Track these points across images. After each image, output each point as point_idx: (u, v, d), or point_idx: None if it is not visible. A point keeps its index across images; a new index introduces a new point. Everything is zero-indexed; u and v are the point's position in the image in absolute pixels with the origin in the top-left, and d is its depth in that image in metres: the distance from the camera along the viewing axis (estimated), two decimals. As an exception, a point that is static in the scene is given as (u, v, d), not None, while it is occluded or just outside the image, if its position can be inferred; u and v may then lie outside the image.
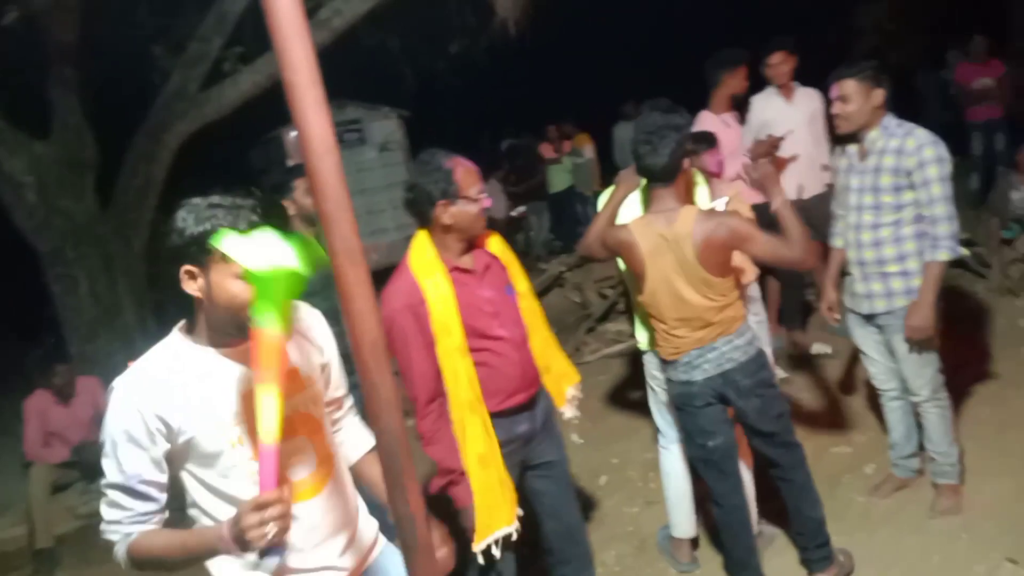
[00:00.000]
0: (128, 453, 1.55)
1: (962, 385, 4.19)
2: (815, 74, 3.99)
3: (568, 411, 2.73)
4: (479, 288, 2.43)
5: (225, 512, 1.57)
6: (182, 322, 1.67)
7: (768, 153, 4.05)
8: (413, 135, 9.94)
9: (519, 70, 12.22)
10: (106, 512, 1.61)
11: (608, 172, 10.21)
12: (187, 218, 1.53)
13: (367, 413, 1.15)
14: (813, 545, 2.87)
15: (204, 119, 5.98)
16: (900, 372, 3.15)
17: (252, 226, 1.50)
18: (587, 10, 11.60)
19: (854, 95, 2.90)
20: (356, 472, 1.92)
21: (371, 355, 1.10)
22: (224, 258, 1.48)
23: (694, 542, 3.33)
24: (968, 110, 8.12)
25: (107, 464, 1.58)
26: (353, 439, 1.95)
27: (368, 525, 1.89)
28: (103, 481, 1.60)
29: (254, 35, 5.77)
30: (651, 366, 3.12)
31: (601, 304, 6.15)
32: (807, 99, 4.49)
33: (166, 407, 1.55)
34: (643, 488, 4.00)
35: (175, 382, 1.58)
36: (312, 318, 1.84)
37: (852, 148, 3.07)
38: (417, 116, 10.20)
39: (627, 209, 2.87)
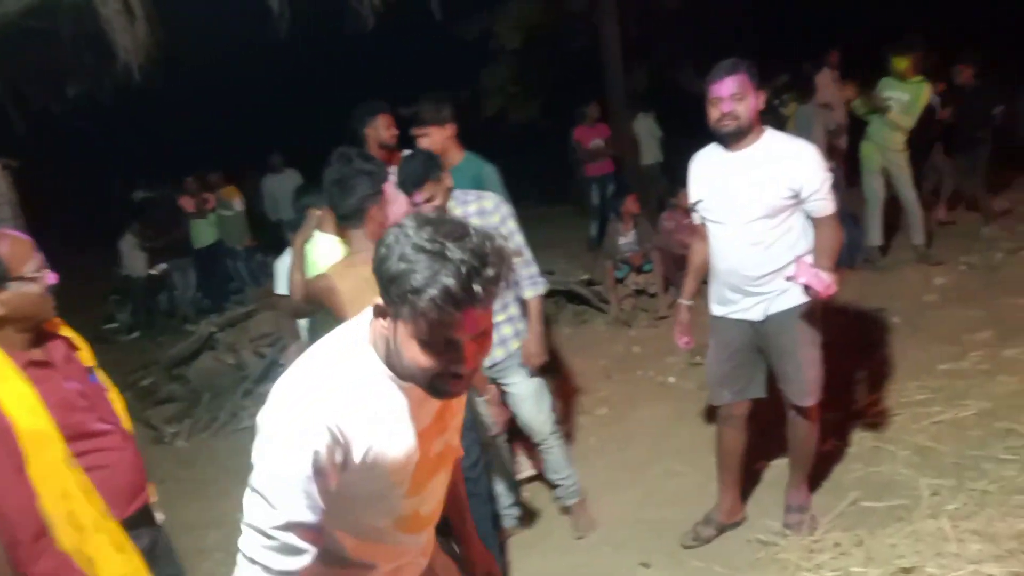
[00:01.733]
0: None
1: (589, 406, 4.78)
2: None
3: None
4: (64, 381, 2.02)
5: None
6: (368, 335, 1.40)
7: None
8: (26, 186, 8.65)
9: (153, 117, 11.34)
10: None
11: (258, 226, 9.90)
12: (392, 247, 1.25)
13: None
14: None
15: None
16: (516, 419, 3.38)
17: (465, 291, 1.19)
18: (226, 59, 11.17)
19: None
20: None
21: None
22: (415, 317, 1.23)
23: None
24: (587, 166, 9.37)
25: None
26: None
27: None
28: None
29: None
30: None
31: (259, 364, 5.88)
32: None
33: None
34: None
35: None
36: None
37: None
38: (31, 164, 8.91)
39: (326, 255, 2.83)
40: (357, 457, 1.35)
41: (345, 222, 2.63)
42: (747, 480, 3.47)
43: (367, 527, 1.50)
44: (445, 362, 1.29)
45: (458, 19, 12.04)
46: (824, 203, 2.82)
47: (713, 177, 2.93)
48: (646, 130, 9.58)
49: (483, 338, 1.30)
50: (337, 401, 1.33)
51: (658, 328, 5.86)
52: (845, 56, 8.05)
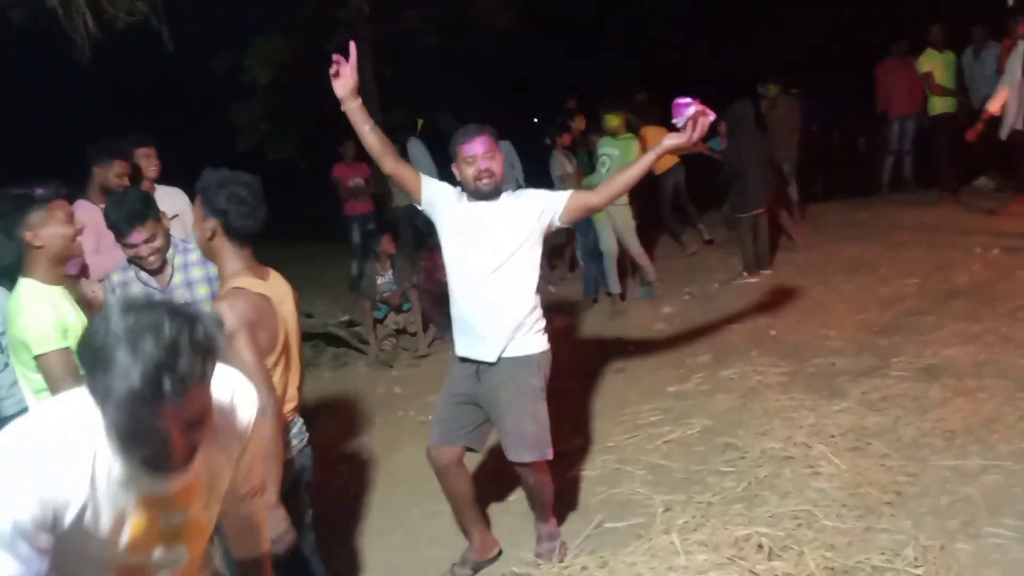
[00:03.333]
0: None
1: (350, 451, 4.70)
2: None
3: None
4: None
5: None
6: None
7: None
8: None
9: None
10: None
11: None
12: (95, 334, 1.20)
13: None
14: None
15: None
16: None
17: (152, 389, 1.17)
18: None
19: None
20: None
21: None
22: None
23: None
24: (347, 204, 9.29)
25: None
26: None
27: None
28: None
29: None
30: None
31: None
32: (167, 198, 4.22)
33: None
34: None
35: None
36: (240, 396, 1.53)
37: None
38: None
39: None
40: (68, 519, 1.31)
41: None
42: (500, 512, 3.58)
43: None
44: (151, 450, 1.25)
45: (207, 52, 11.52)
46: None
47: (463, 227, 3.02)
48: None
49: (191, 428, 1.27)
50: (50, 462, 1.28)
51: (419, 367, 5.91)
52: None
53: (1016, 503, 2.88)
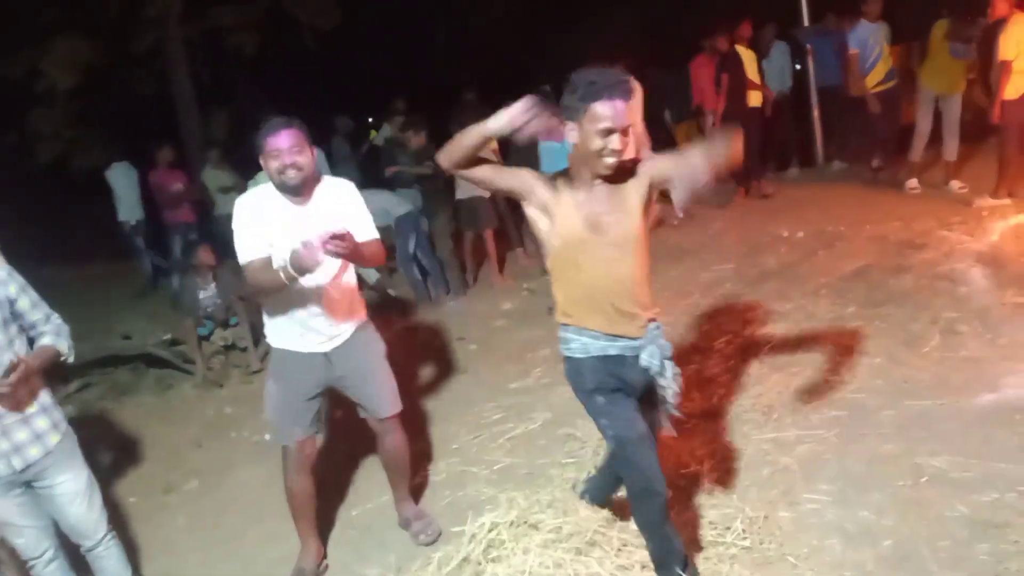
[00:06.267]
0: None
1: (177, 481, 4.37)
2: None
3: None
4: None
5: None
6: None
7: None
8: None
9: None
10: None
11: None
12: None
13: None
14: None
15: None
16: (60, 524, 2.92)
17: None
18: None
19: None
20: None
21: None
22: None
23: None
24: (167, 213, 8.71)
25: None
26: None
27: None
28: None
29: None
30: None
31: None
32: None
33: None
34: None
35: None
36: None
37: None
38: None
39: None
40: None
41: None
42: (344, 527, 3.52)
43: None
44: None
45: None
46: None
47: (286, 227, 2.89)
48: (217, 181, 8.72)
49: None
50: None
51: (252, 384, 5.60)
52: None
53: (828, 468, 3.11)
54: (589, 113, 2.27)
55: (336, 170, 10.12)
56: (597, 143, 2.28)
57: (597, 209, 2.39)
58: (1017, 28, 5.86)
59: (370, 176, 9.04)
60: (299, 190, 2.90)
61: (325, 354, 3.09)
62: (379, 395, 3.23)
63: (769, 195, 7.88)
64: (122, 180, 9.16)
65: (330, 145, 9.82)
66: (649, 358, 2.48)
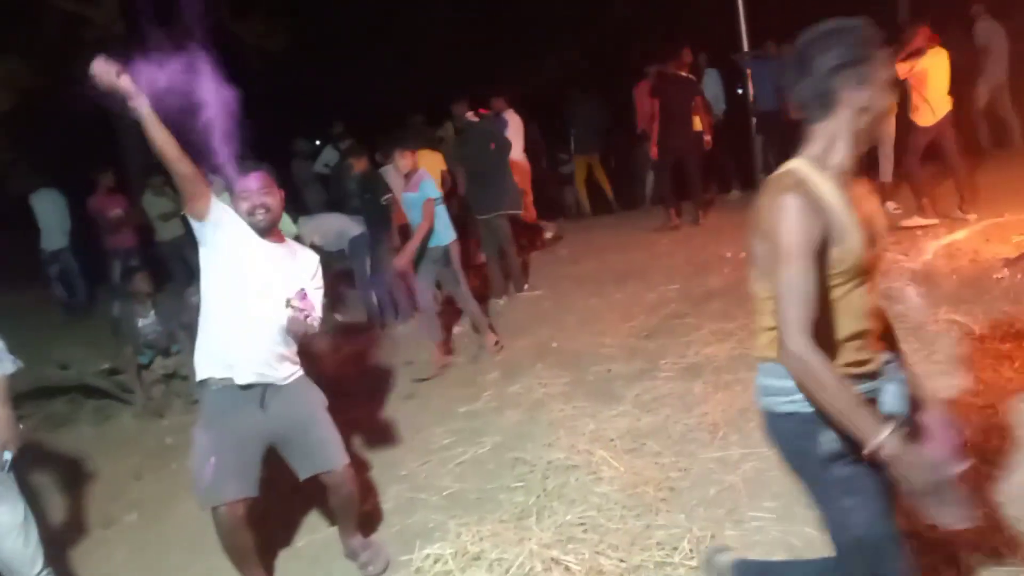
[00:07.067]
0: None
1: (116, 514, 4.25)
2: None
3: None
4: None
5: None
6: None
7: None
8: None
9: None
10: None
11: None
12: None
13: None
14: None
15: None
16: None
17: None
18: None
19: None
20: None
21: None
22: None
23: None
24: (108, 238, 8.53)
25: None
26: None
27: None
28: None
29: None
30: None
31: None
32: None
33: None
34: None
35: None
36: None
37: None
38: None
39: None
40: None
41: None
42: (288, 558, 3.42)
43: None
44: None
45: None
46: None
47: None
48: (158, 208, 8.34)
49: None
50: None
51: (194, 414, 5.43)
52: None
53: (772, 486, 3.15)
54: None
55: (305, 191, 10.09)
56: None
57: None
58: (933, 61, 6.14)
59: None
60: (268, 231, 3.01)
61: (260, 393, 2.94)
62: (325, 444, 3.08)
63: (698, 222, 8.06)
64: (48, 207, 9.01)
65: (289, 168, 9.80)
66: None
